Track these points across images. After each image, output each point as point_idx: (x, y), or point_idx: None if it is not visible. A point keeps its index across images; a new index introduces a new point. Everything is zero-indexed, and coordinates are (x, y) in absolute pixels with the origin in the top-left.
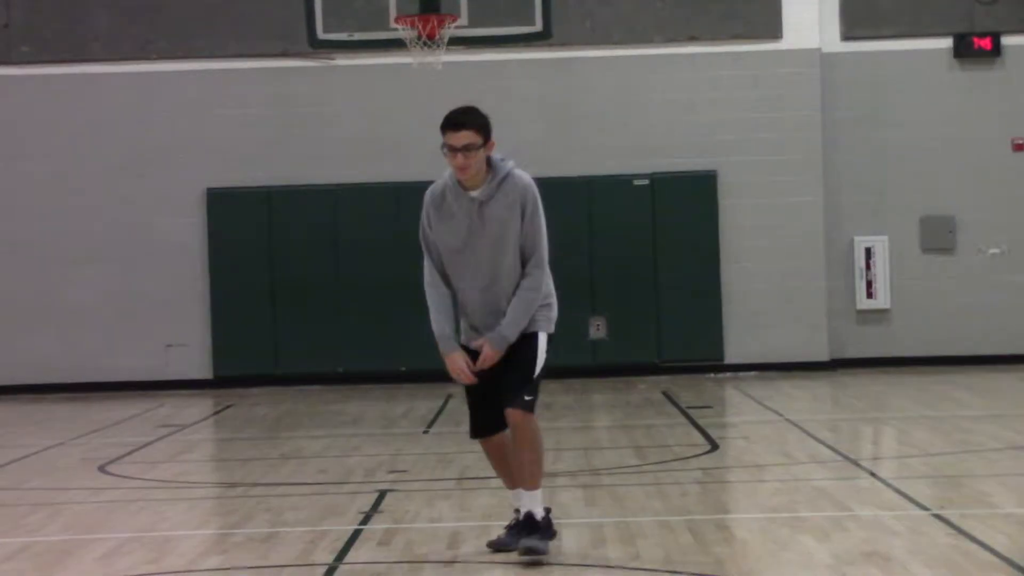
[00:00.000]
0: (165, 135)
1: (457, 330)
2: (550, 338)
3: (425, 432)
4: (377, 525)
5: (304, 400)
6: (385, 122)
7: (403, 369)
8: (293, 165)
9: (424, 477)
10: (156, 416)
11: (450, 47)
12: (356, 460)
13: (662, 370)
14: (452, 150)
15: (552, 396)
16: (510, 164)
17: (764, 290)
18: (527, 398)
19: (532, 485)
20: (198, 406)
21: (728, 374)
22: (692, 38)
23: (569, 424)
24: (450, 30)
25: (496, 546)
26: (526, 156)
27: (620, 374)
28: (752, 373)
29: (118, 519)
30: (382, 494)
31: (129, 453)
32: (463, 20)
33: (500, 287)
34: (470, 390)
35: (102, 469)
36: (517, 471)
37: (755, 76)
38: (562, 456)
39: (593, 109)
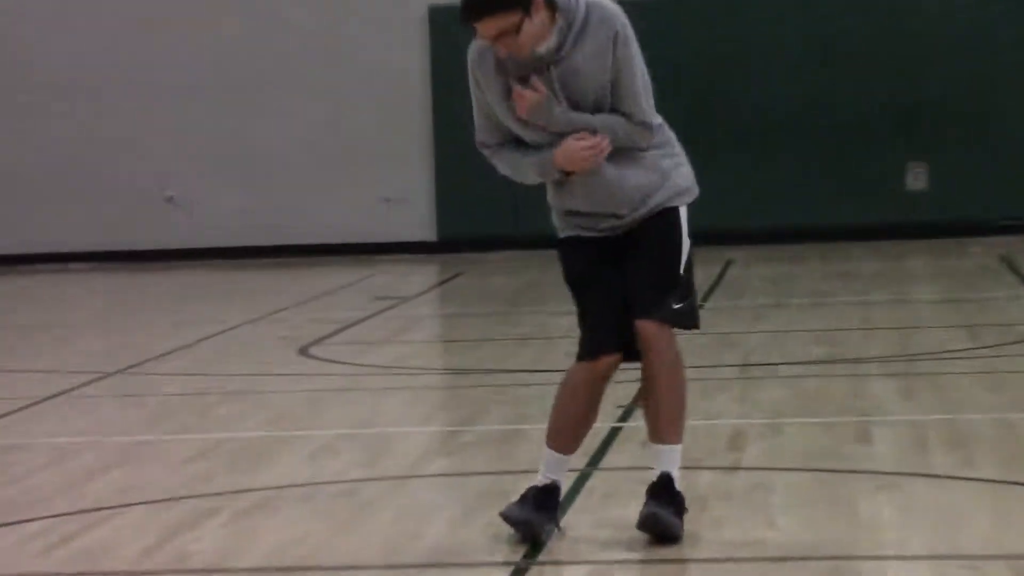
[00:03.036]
0: None
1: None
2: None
3: (700, 306)
4: (642, 421)
5: (551, 268)
6: None
7: None
8: None
9: (698, 363)
10: (369, 287)
11: None
12: None
13: (1000, 229)
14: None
15: (859, 263)
16: None
17: None
18: (675, 306)
19: (675, 434)
20: (420, 274)
21: None
22: None
23: (881, 297)
24: None
25: (516, 522)
26: None
27: (946, 234)
28: None
29: (325, 412)
30: None
31: (337, 332)
32: None
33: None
34: (585, 284)
35: (304, 351)
36: (652, 413)
37: None
38: (872, 337)
39: None
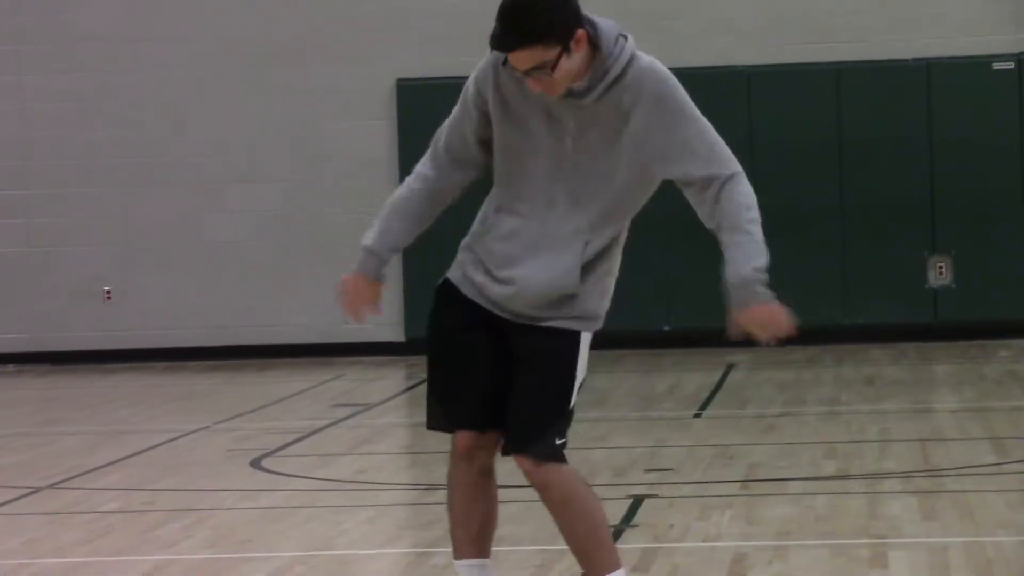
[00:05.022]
0: (341, 14)
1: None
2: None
3: (697, 416)
4: (630, 544)
5: None
6: None
7: (666, 328)
8: None
9: (695, 478)
10: (328, 392)
11: None
12: (601, 454)
13: None
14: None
15: (876, 367)
16: (629, 48)
17: None
18: (557, 441)
19: (604, 569)
20: (386, 379)
21: None
22: None
23: (900, 406)
24: None
25: None
26: (841, 32)
27: (972, 336)
28: None
29: (278, 532)
30: (637, 501)
31: (293, 443)
32: None
33: (583, 223)
34: (454, 344)
35: (256, 464)
36: (573, 551)
37: None
38: (890, 451)
39: None
